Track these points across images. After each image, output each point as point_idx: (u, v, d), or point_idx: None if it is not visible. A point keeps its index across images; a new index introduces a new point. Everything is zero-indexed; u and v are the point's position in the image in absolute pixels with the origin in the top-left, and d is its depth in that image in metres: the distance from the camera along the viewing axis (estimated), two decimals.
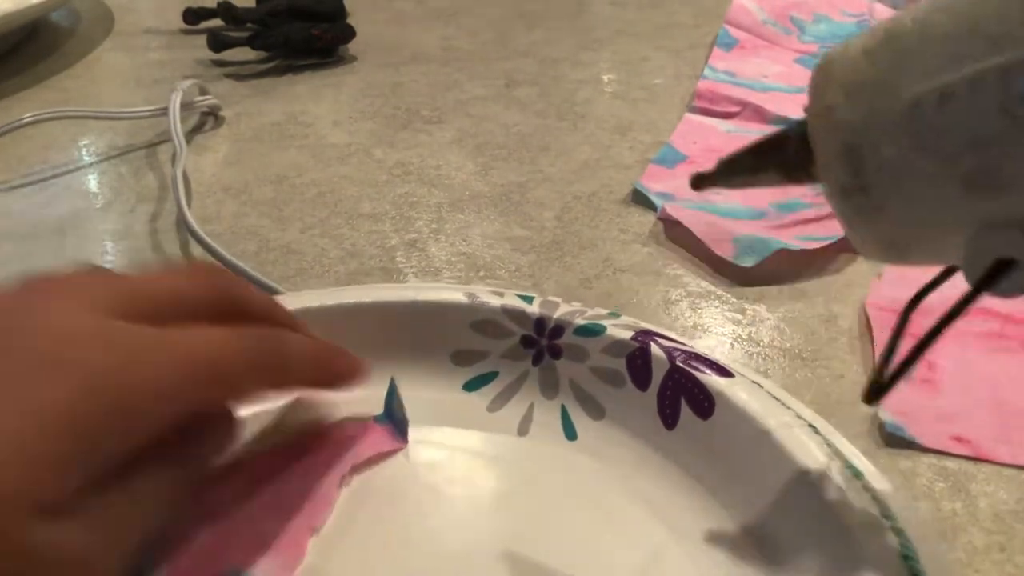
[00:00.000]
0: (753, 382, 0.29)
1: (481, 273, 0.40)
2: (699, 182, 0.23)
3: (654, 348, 0.30)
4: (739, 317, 0.37)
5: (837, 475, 0.25)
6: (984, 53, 0.16)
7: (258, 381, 0.24)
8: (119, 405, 0.20)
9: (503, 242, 0.43)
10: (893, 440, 0.30)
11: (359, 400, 0.29)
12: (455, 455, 0.29)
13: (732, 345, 0.36)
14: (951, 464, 0.30)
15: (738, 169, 0.22)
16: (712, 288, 0.39)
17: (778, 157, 0.21)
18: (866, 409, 0.32)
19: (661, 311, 0.38)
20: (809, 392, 0.33)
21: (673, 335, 0.31)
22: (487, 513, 0.27)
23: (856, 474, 0.25)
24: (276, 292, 0.37)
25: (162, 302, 0.23)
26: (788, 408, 0.28)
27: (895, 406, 0.31)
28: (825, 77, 0.19)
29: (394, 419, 0.29)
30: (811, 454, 0.26)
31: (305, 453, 0.28)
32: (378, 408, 0.30)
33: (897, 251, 0.20)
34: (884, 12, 0.71)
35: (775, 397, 0.28)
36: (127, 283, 0.23)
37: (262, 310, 0.26)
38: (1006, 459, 0.30)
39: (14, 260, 0.42)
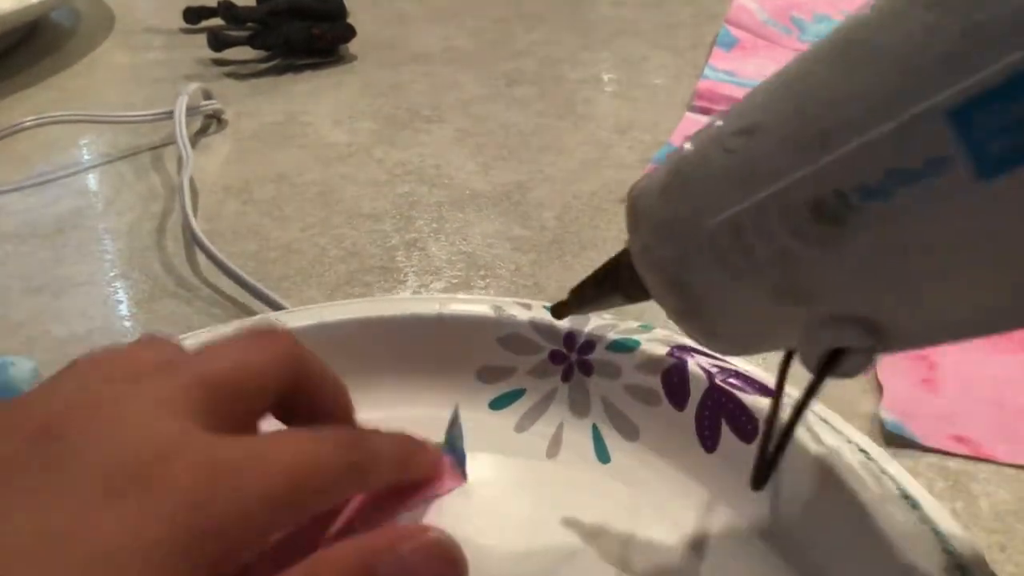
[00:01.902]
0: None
1: (481, 272, 0.40)
2: (557, 312, 0.25)
3: (691, 365, 0.28)
4: None
5: (892, 506, 0.23)
6: (761, 184, 0.17)
7: (348, 489, 0.23)
8: (210, 531, 0.18)
9: (503, 241, 0.43)
10: (893, 439, 0.30)
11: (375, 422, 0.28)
12: (481, 481, 0.27)
13: None
14: (952, 463, 0.30)
15: (586, 298, 0.24)
16: None
17: (616, 286, 0.23)
18: (867, 407, 0.32)
19: (659, 311, 0.38)
20: None
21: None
22: (514, 548, 0.26)
23: (914, 505, 0.24)
24: (281, 308, 0.37)
25: (238, 389, 0.22)
26: (839, 431, 0.26)
27: (896, 405, 0.31)
28: (634, 215, 0.21)
29: (454, 451, 0.27)
30: (863, 483, 0.24)
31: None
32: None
33: (743, 349, 0.21)
34: None
35: (824, 419, 0.26)
36: (198, 370, 0.21)
37: (325, 378, 0.25)
38: (1006, 458, 0.30)
39: (15, 259, 0.42)
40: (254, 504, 0.19)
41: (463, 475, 0.27)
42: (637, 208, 0.20)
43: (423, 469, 0.26)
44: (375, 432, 0.25)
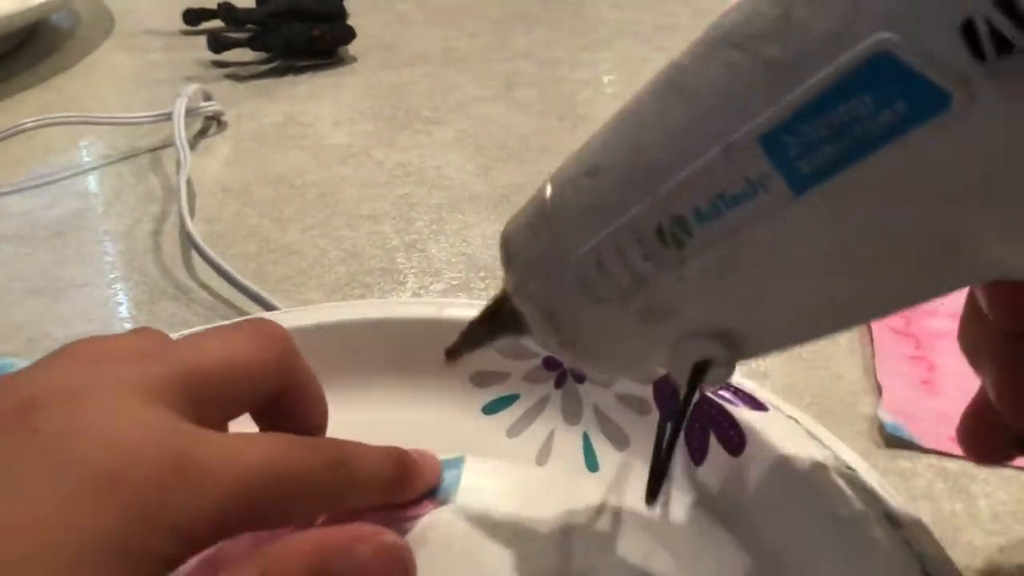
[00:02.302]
0: (789, 417, 0.27)
1: (481, 274, 0.40)
2: (450, 355, 0.25)
3: None
4: None
5: (874, 524, 0.23)
6: (611, 218, 0.19)
7: (323, 504, 0.22)
8: (169, 524, 0.18)
9: None
10: (893, 440, 0.30)
11: (370, 425, 0.27)
12: (469, 487, 0.27)
13: None
14: (951, 465, 0.30)
15: (475, 340, 0.24)
16: None
17: (500, 325, 0.24)
18: (866, 408, 0.32)
19: None
20: (809, 393, 0.33)
21: None
22: (498, 553, 0.25)
23: (896, 522, 0.24)
24: (274, 308, 0.37)
25: (222, 384, 0.21)
26: (826, 447, 0.26)
27: (895, 407, 0.31)
28: (507, 254, 0.22)
29: (441, 493, 0.27)
30: (846, 500, 0.24)
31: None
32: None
33: (626, 372, 0.23)
34: None
35: (812, 435, 0.26)
36: (183, 359, 0.21)
37: (312, 387, 0.25)
38: None
39: (15, 261, 0.42)
40: (216, 503, 0.19)
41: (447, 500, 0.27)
42: (509, 247, 0.22)
43: (414, 492, 0.26)
44: (364, 447, 0.24)
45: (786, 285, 0.18)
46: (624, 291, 0.20)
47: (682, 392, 0.21)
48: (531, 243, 0.21)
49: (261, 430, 0.25)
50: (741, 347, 0.20)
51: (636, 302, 0.20)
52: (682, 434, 0.28)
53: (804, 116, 0.16)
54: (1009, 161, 0.15)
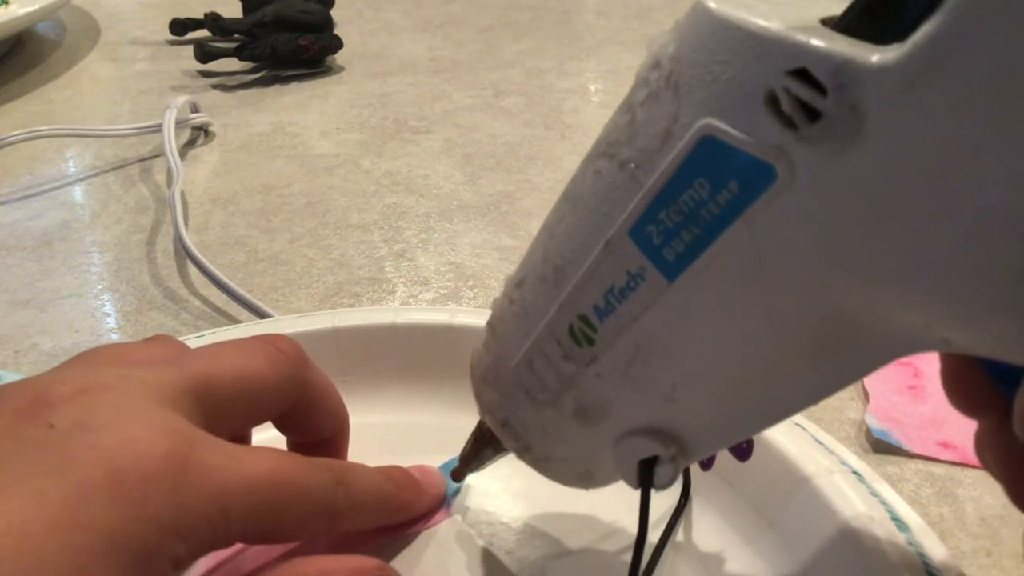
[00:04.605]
0: (796, 424, 0.27)
1: (470, 283, 0.40)
2: (457, 476, 0.27)
3: None
4: None
5: (879, 528, 0.24)
6: (534, 324, 0.20)
7: (319, 520, 0.22)
8: (172, 524, 0.18)
9: (491, 251, 0.43)
10: (880, 446, 0.31)
11: (382, 426, 0.27)
12: (478, 492, 0.28)
13: None
14: (937, 470, 0.30)
15: (471, 461, 0.26)
16: None
17: (484, 444, 0.25)
18: (853, 414, 0.32)
19: None
20: None
21: None
22: (504, 559, 0.26)
23: (901, 527, 0.24)
24: (267, 316, 0.37)
25: (234, 395, 0.22)
26: (832, 453, 0.26)
27: (881, 412, 0.32)
28: (472, 370, 0.23)
29: (451, 504, 0.28)
30: (852, 505, 0.24)
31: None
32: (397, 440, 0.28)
33: (585, 482, 0.23)
34: None
35: (818, 441, 0.27)
36: (198, 368, 0.21)
37: (327, 398, 0.25)
38: None
39: (1, 273, 0.42)
40: (217, 505, 0.19)
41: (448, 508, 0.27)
42: (472, 363, 0.23)
43: (417, 511, 0.26)
44: (364, 469, 0.24)
45: (692, 373, 0.18)
46: (556, 392, 0.21)
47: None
48: (483, 356, 0.23)
49: (287, 439, 0.25)
50: (683, 444, 0.20)
51: (569, 402, 0.20)
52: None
53: (657, 206, 0.17)
54: (844, 226, 0.14)
